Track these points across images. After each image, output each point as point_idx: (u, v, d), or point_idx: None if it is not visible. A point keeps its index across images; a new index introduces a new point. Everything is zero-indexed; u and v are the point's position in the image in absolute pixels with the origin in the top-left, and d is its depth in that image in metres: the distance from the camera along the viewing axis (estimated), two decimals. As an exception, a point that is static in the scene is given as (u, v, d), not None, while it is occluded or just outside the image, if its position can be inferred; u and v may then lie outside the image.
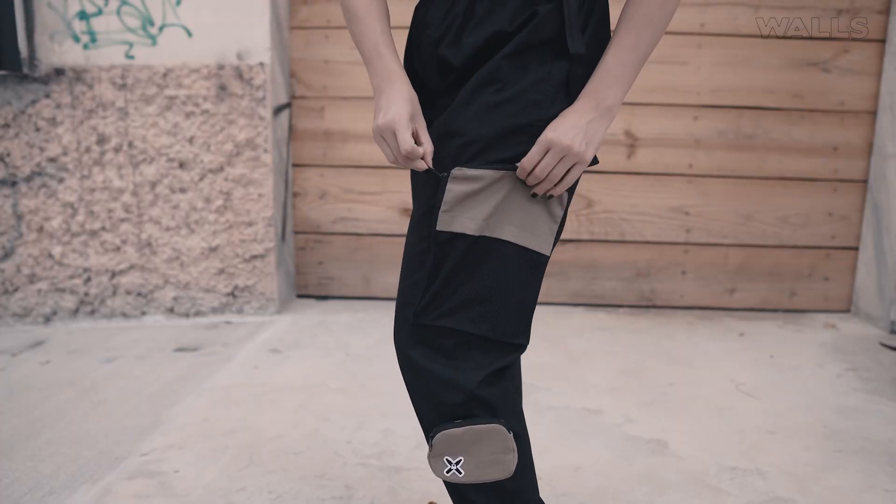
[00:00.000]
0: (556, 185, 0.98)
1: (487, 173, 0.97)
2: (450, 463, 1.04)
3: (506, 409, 1.05)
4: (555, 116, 0.99)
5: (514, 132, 0.97)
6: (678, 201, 2.89)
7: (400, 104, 1.00)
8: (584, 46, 1.00)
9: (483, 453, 1.03)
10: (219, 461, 1.70)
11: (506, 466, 1.04)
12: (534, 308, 1.06)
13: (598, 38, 1.02)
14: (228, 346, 2.48)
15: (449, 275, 1.00)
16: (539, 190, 0.98)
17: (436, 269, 1.00)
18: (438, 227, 0.98)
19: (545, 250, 1.01)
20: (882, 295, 2.75)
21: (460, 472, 1.03)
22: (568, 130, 0.96)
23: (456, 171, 0.97)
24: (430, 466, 1.05)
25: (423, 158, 0.99)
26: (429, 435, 1.05)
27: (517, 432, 1.07)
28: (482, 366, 1.02)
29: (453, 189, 0.97)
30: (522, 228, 0.99)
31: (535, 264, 1.02)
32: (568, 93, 1.00)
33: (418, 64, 1.09)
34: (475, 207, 0.98)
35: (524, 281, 1.02)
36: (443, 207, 0.98)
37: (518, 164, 0.97)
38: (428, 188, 1.04)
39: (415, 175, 1.13)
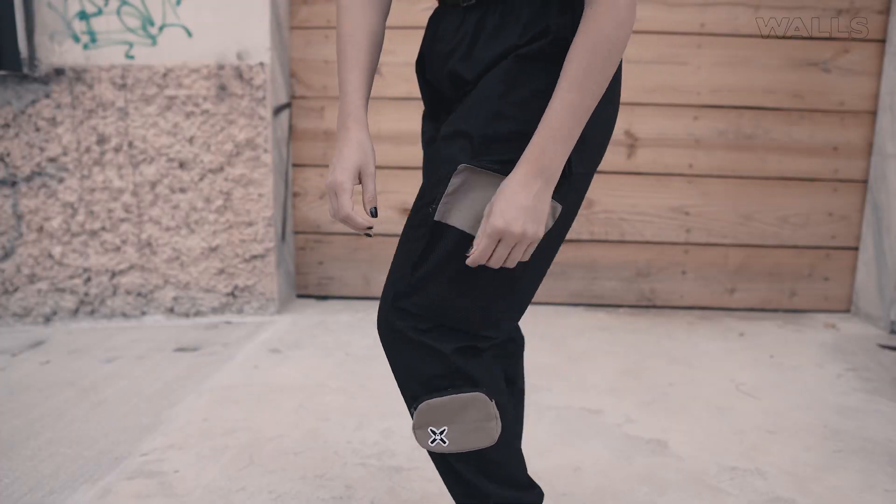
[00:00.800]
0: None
1: (487, 173, 0.98)
2: (434, 433, 1.05)
3: (488, 384, 1.07)
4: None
5: (516, 138, 0.98)
6: (678, 201, 2.89)
7: (346, 160, 1.04)
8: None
9: (467, 422, 1.05)
10: (219, 461, 1.70)
11: (489, 434, 1.06)
12: (519, 303, 1.08)
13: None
14: (228, 346, 2.48)
15: (434, 265, 1.01)
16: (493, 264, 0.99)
17: (423, 257, 1.02)
18: (436, 218, 1.00)
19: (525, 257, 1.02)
20: (882, 295, 2.75)
21: (444, 442, 1.05)
22: (518, 216, 0.93)
23: (461, 167, 0.98)
24: (416, 438, 1.07)
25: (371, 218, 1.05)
26: (412, 407, 1.07)
27: (499, 402, 1.08)
28: (459, 339, 1.05)
29: (455, 183, 0.99)
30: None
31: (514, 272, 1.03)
32: None
33: (431, 75, 1.11)
34: (472, 205, 0.99)
35: (505, 284, 1.04)
36: (443, 199, 1.00)
37: (468, 255, 0.98)
38: (430, 181, 1.05)
39: (426, 165, 1.18)
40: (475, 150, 0.99)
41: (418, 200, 1.05)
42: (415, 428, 1.07)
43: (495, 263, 0.97)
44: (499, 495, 1.12)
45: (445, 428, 1.05)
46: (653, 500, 1.55)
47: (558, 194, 1.01)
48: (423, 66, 1.14)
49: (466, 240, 0.99)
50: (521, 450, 1.17)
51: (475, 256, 0.96)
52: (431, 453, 1.11)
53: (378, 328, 1.11)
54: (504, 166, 0.98)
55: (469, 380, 1.05)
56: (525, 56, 0.98)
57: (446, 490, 1.56)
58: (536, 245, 0.98)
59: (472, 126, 1.00)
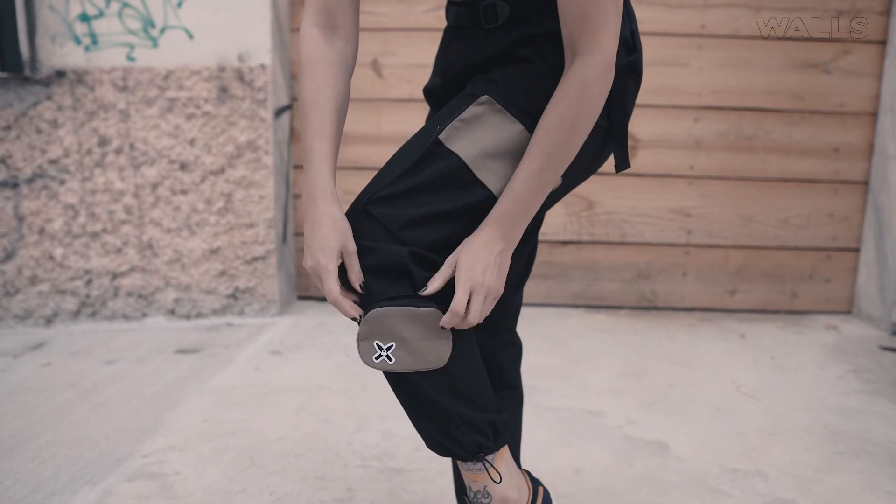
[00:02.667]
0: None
1: (506, 114, 0.99)
2: (380, 348, 0.99)
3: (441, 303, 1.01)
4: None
5: (545, 96, 0.99)
6: (679, 203, 2.89)
7: (324, 241, 0.96)
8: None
9: (415, 338, 0.98)
10: (219, 463, 1.70)
11: (438, 354, 0.99)
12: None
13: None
14: (229, 347, 2.48)
15: (420, 182, 0.98)
16: (466, 325, 0.99)
17: (412, 171, 0.98)
18: (440, 137, 0.99)
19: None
20: (883, 296, 2.75)
21: (390, 360, 0.99)
22: (485, 269, 0.96)
23: (484, 98, 0.99)
24: (359, 352, 1.00)
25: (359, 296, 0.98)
26: (361, 317, 0.99)
27: (460, 331, 1.03)
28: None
29: (472, 112, 0.99)
30: (501, 177, 1.00)
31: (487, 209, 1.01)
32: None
33: (448, 91, 1.13)
34: (480, 140, 0.99)
35: (474, 220, 1.01)
36: (454, 123, 0.99)
37: (451, 310, 0.96)
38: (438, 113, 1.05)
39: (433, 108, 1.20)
40: (501, 92, 1.00)
41: (417, 133, 1.04)
42: (359, 339, 0.99)
43: (474, 317, 0.97)
44: (467, 415, 1.03)
45: (393, 344, 0.98)
46: (653, 502, 1.55)
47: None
48: (436, 93, 1.15)
49: (463, 170, 0.98)
50: (486, 380, 1.09)
51: (456, 307, 0.95)
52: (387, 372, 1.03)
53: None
54: (524, 116, 0.99)
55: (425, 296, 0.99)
56: (539, 36, 1.01)
57: (448, 492, 1.57)
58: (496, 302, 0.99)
59: (499, 76, 1.01)
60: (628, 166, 1.08)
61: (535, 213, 0.99)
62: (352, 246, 0.97)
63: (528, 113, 0.99)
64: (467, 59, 1.08)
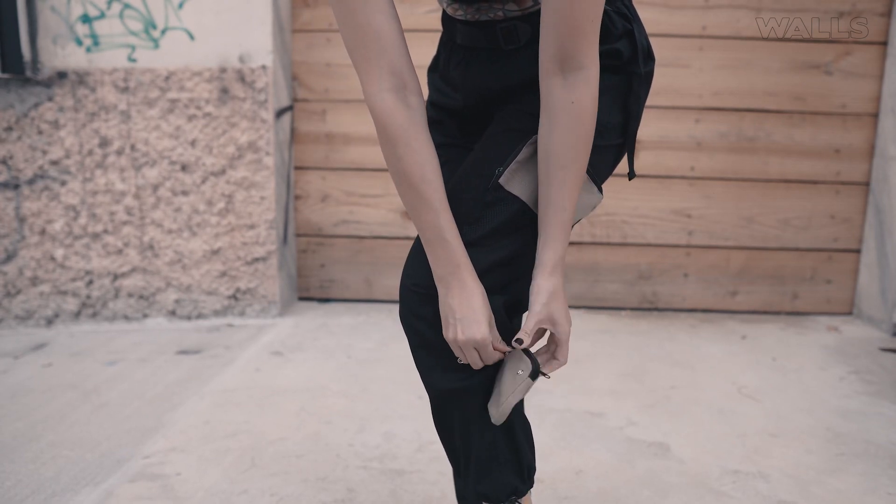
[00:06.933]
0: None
1: None
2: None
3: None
4: (611, 122, 1.05)
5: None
6: (680, 204, 2.89)
7: (478, 313, 0.99)
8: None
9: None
10: (221, 464, 1.70)
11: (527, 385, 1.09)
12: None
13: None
14: (230, 348, 2.48)
15: (490, 229, 1.02)
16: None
17: (478, 218, 1.02)
18: (500, 181, 1.01)
19: None
20: (884, 297, 2.75)
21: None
22: (566, 321, 1.02)
23: (535, 138, 1.01)
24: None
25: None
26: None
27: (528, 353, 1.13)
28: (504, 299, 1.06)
29: (526, 152, 1.01)
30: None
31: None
32: (625, 105, 1.07)
33: (468, 107, 1.16)
34: (535, 179, 1.02)
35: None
36: (512, 165, 1.01)
37: (561, 363, 1.04)
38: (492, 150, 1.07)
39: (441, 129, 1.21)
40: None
41: (470, 171, 1.05)
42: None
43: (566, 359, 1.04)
44: (516, 456, 1.12)
45: None
46: (655, 504, 1.55)
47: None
48: (458, 111, 1.16)
49: (525, 211, 1.02)
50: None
51: (564, 361, 1.04)
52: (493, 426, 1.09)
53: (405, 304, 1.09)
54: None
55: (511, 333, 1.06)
56: None
57: (448, 493, 1.57)
58: None
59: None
60: (634, 175, 1.13)
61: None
62: (492, 317, 1.03)
63: None
64: (499, 83, 1.07)
